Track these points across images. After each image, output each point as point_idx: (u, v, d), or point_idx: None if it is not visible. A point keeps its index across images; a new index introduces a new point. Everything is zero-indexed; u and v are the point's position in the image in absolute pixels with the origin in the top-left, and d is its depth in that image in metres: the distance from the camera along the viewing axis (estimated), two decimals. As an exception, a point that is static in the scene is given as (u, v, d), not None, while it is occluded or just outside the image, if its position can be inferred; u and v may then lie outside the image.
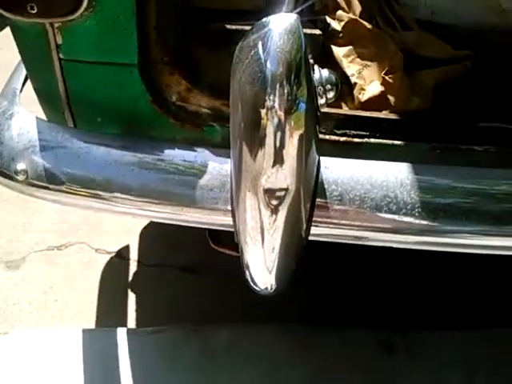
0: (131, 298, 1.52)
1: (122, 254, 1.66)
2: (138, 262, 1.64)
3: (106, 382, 1.25)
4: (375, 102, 0.90)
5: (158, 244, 1.69)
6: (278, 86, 0.61)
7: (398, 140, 0.85)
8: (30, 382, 1.23)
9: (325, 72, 0.66)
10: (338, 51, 0.92)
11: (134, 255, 1.66)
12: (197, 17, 0.87)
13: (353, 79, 0.91)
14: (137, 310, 1.48)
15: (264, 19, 0.63)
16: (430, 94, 0.88)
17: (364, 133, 0.85)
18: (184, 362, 1.27)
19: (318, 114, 0.69)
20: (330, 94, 0.67)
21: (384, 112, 0.87)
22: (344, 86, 0.93)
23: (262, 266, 0.78)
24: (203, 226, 0.86)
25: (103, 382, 1.25)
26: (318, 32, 0.84)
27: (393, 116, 0.86)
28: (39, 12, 0.73)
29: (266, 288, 0.82)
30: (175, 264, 1.60)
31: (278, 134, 0.64)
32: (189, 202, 0.82)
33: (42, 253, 1.65)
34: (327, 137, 0.86)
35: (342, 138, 0.85)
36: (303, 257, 0.83)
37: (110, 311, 1.48)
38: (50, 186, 0.85)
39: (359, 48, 0.92)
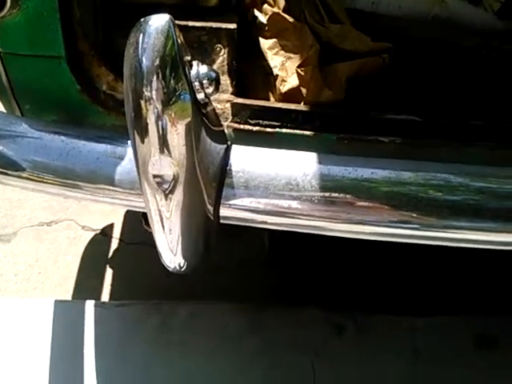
0: (109, 273, 1.62)
1: (106, 232, 1.76)
2: (120, 240, 1.73)
3: (71, 349, 1.35)
4: (294, 94, 0.93)
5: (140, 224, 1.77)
6: (153, 79, 0.67)
7: (308, 130, 0.89)
8: (3, 347, 1.34)
9: (203, 68, 0.71)
10: (264, 43, 0.96)
11: (116, 233, 1.75)
12: (122, 11, 0.92)
13: (275, 71, 0.94)
14: (112, 285, 1.58)
15: (142, 19, 0.68)
16: (343, 87, 0.91)
17: (275, 123, 0.89)
18: (143, 336, 1.36)
19: (202, 106, 0.74)
20: (210, 89, 0.72)
21: (295, 104, 0.90)
22: (271, 77, 0.97)
23: (166, 247, 0.84)
24: (124, 208, 0.93)
25: (70, 350, 1.35)
26: (232, 26, 0.89)
27: (302, 107, 0.89)
28: (-35, 11, 0.81)
29: (175, 267, 0.88)
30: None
31: (159, 123, 0.70)
32: (110, 183, 0.89)
33: (32, 228, 1.77)
34: (241, 126, 0.90)
35: (255, 128, 0.90)
36: (214, 237, 0.90)
37: (87, 284, 1.58)
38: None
39: (283, 41, 0.95)
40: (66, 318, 1.41)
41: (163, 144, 0.71)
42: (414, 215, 0.82)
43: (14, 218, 1.80)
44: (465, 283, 1.51)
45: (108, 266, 1.64)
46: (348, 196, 0.82)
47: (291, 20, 0.94)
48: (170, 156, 0.73)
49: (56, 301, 1.44)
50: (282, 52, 0.96)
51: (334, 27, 0.95)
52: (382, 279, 1.55)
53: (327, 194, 0.83)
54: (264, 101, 0.91)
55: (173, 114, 0.70)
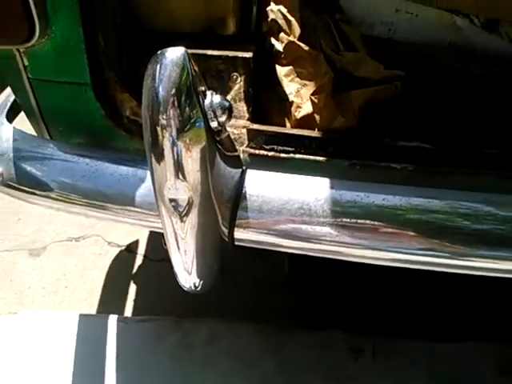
0: (132, 288, 1.66)
1: (131, 248, 1.81)
2: (145, 256, 1.78)
3: (93, 362, 1.39)
4: (309, 120, 0.96)
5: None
6: (169, 107, 0.70)
7: (321, 156, 0.91)
8: (29, 357, 1.39)
9: (217, 98, 0.74)
10: (280, 70, 0.99)
11: (141, 250, 1.80)
12: (144, 39, 0.97)
13: (290, 97, 0.97)
14: (135, 300, 1.62)
15: (158, 52, 0.72)
16: (356, 114, 0.93)
17: (290, 149, 0.92)
18: (163, 352, 1.39)
19: (216, 133, 0.77)
20: (223, 118, 0.75)
21: (309, 130, 0.93)
22: (286, 103, 1.00)
23: (182, 267, 0.87)
24: (144, 228, 0.97)
25: (91, 363, 1.39)
26: (248, 55, 0.92)
27: (316, 134, 0.91)
28: (-2, 41, 0.87)
29: (190, 287, 0.91)
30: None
31: (174, 149, 0.73)
32: (130, 204, 0.92)
33: (61, 243, 1.83)
34: (257, 151, 0.93)
35: (270, 153, 0.93)
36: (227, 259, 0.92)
37: (111, 299, 1.62)
38: (22, 189, 0.99)
39: (298, 68, 0.98)
40: (90, 332, 1.45)
41: (178, 169, 0.74)
42: (425, 242, 0.83)
43: (45, 233, 1.87)
44: (485, 310, 1.49)
45: (132, 282, 1.68)
46: (359, 222, 0.84)
47: (306, 48, 0.97)
48: (185, 181, 0.75)
49: (81, 315, 1.49)
50: (298, 79, 0.98)
51: (348, 55, 0.97)
52: (402, 302, 1.54)
53: (338, 220, 0.84)
54: (279, 127, 0.93)
55: (187, 141, 0.73)
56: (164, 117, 0.71)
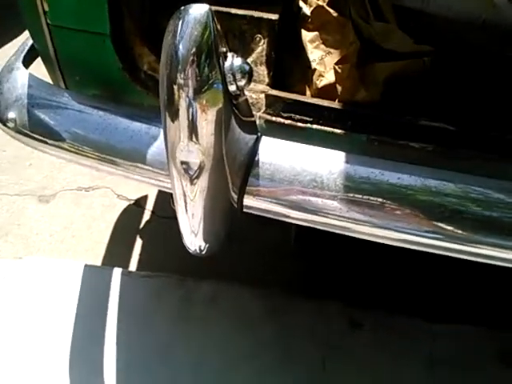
0: (138, 243, 1.67)
1: (140, 203, 1.81)
2: (152, 212, 1.78)
3: (94, 313, 1.41)
4: (330, 90, 0.93)
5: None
6: (187, 66, 0.68)
7: (338, 129, 0.88)
8: (30, 303, 1.41)
9: (237, 61, 0.72)
10: (306, 36, 0.96)
11: (149, 206, 1.80)
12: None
13: (313, 64, 0.94)
14: (140, 255, 1.63)
15: (182, 7, 0.70)
16: (379, 88, 0.90)
17: (307, 118, 0.89)
18: (165, 308, 1.41)
19: (234, 97, 0.75)
20: (242, 82, 0.72)
21: (329, 100, 0.90)
22: (309, 71, 0.97)
23: (189, 230, 0.86)
24: (152, 187, 0.96)
25: (92, 314, 1.41)
26: (274, 17, 0.89)
27: (336, 105, 0.89)
28: (19, -19, 0.84)
29: (195, 250, 0.90)
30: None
31: (190, 110, 0.71)
32: (141, 162, 0.91)
33: (71, 192, 1.83)
34: (273, 118, 0.91)
35: (287, 121, 0.90)
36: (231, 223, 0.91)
37: (116, 252, 1.64)
38: (34, 136, 0.98)
39: (324, 34, 0.94)
40: (93, 283, 1.47)
41: (192, 131, 0.73)
42: (435, 226, 0.81)
43: (55, 181, 1.87)
44: (490, 295, 1.48)
45: (138, 237, 1.69)
46: (371, 199, 0.82)
47: (335, 14, 0.94)
48: (198, 143, 0.74)
49: (86, 265, 1.50)
50: (323, 46, 0.95)
51: (377, 25, 0.93)
52: (409, 279, 1.54)
53: (350, 195, 0.83)
54: (298, 95, 0.91)
55: (204, 102, 0.71)
56: (182, 76, 0.69)
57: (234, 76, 0.72)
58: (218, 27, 0.70)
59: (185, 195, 0.81)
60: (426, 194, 0.82)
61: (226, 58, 0.72)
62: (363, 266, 1.57)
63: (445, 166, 0.84)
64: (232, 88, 0.73)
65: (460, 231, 0.79)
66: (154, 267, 1.56)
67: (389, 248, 0.93)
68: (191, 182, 0.79)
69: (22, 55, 1.08)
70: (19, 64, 1.04)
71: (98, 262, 1.60)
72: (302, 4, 0.97)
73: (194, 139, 0.74)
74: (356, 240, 0.95)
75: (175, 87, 0.70)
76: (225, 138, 0.76)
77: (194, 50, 0.68)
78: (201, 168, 0.77)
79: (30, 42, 1.11)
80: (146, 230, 1.72)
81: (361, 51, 0.91)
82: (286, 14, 0.95)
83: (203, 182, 0.79)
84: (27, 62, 1.07)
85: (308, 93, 0.97)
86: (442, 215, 0.82)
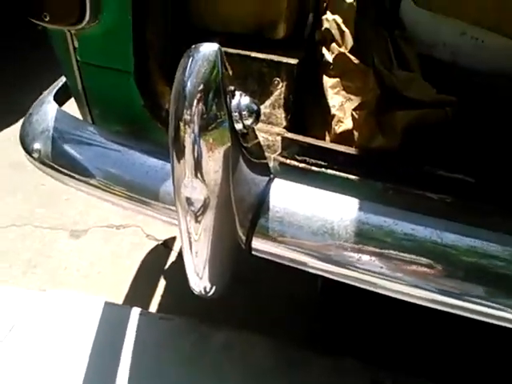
0: (161, 283, 1.66)
1: (168, 244, 1.81)
2: (179, 253, 1.77)
3: (110, 350, 1.39)
4: (348, 136, 0.91)
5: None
6: (194, 103, 0.69)
7: (353, 175, 0.86)
8: (49, 334, 1.42)
9: (245, 99, 0.71)
10: (327, 81, 0.95)
11: (177, 247, 1.79)
12: (192, 35, 0.96)
13: (333, 110, 0.93)
14: (162, 296, 1.61)
15: (193, 46, 0.71)
16: (398, 135, 0.87)
17: (322, 162, 0.87)
18: (178, 351, 1.37)
19: (243, 136, 0.74)
20: (249, 121, 0.72)
21: (346, 146, 0.88)
22: (328, 116, 0.96)
23: (193, 270, 0.84)
24: (164, 223, 0.95)
25: (108, 350, 1.39)
26: (293, 61, 0.89)
27: (351, 151, 0.87)
28: (51, 20, 0.88)
29: (200, 291, 0.88)
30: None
31: (195, 146, 0.71)
32: (153, 197, 0.91)
33: (101, 229, 1.86)
34: (288, 161, 0.90)
35: (302, 165, 0.89)
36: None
37: (139, 291, 1.63)
38: (55, 166, 1.00)
39: (345, 81, 0.94)
40: (111, 320, 1.46)
41: (197, 167, 0.72)
42: (457, 284, 0.76)
43: (88, 217, 1.91)
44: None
45: (162, 277, 1.68)
46: (383, 249, 0.78)
47: (356, 61, 0.93)
48: (203, 180, 0.73)
49: (106, 302, 1.50)
50: (343, 92, 0.94)
51: (400, 73, 0.92)
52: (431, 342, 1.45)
53: (360, 245, 0.79)
54: (314, 139, 0.89)
55: (209, 139, 0.70)
56: (188, 111, 0.69)
57: (240, 114, 0.71)
58: (228, 66, 0.70)
59: (189, 233, 0.80)
60: (441, 248, 0.77)
61: (233, 96, 0.72)
62: (387, 324, 1.50)
63: (462, 220, 0.79)
64: (238, 126, 0.72)
65: (472, 290, 0.74)
66: (173, 309, 1.54)
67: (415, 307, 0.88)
68: (196, 219, 0.77)
69: (54, 90, 1.12)
70: (50, 98, 1.08)
71: (120, 299, 1.60)
72: (324, 51, 0.97)
73: (198, 175, 0.73)
74: (384, 297, 0.91)
75: (181, 123, 0.70)
76: (232, 176, 0.75)
77: (201, 86, 0.68)
78: (205, 205, 0.76)
79: (64, 79, 1.17)
80: (170, 270, 1.71)
81: (380, 98, 0.89)
82: (308, 59, 0.95)
83: (208, 220, 0.77)
84: (60, 97, 1.12)
85: (327, 138, 0.96)
86: (461, 273, 0.77)
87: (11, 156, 2.08)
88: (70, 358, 1.37)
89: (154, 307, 1.59)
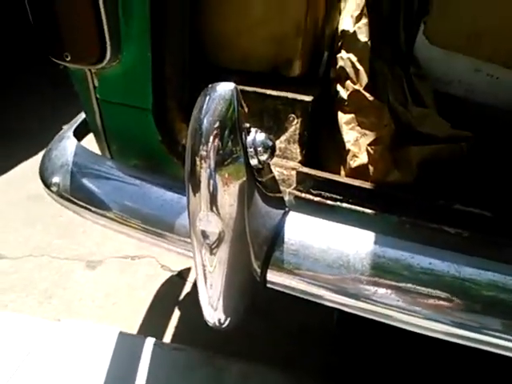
0: (176, 314, 1.66)
1: (182, 275, 1.82)
2: (194, 284, 1.78)
3: (123, 380, 1.39)
4: (363, 171, 0.92)
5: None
6: (210, 140, 0.70)
7: (369, 209, 0.86)
8: (62, 364, 1.42)
9: (260, 136, 0.73)
10: (341, 117, 0.97)
11: (192, 278, 1.80)
12: (210, 73, 0.98)
13: (348, 145, 0.94)
14: (176, 327, 1.61)
15: (210, 85, 0.73)
16: (413, 170, 0.88)
17: (337, 196, 0.88)
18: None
19: (258, 170, 0.76)
20: (264, 156, 0.73)
21: (361, 180, 0.89)
22: (343, 151, 0.97)
23: (207, 302, 0.85)
24: (179, 256, 0.96)
25: (120, 380, 1.39)
26: (308, 99, 0.90)
27: (366, 185, 0.87)
28: (72, 60, 0.91)
29: (215, 323, 0.88)
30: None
31: (211, 181, 0.72)
32: (168, 230, 0.93)
33: (117, 259, 1.88)
34: (303, 195, 0.91)
35: (316, 198, 0.90)
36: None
37: (153, 321, 1.63)
38: (73, 200, 1.02)
39: (360, 117, 0.95)
40: (125, 350, 1.46)
41: (212, 201, 0.73)
42: (468, 316, 0.76)
43: (104, 248, 1.93)
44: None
45: (177, 308, 1.68)
46: (400, 284, 0.78)
47: (371, 98, 0.94)
48: (218, 214, 0.74)
49: (120, 332, 1.50)
50: (358, 128, 0.96)
51: (414, 109, 0.93)
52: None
53: (377, 278, 0.79)
54: (328, 173, 0.90)
55: (225, 174, 0.72)
56: (204, 148, 0.71)
57: (255, 150, 0.73)
58: (244, 104, 0.72)
59: (203, 265, 0.81)
60: (459, 282, 0.77)
61: (249, 132, 0.73)
62: (402, 357, 1.47)
63: (479, 254, 0.79)
64: (254, 161, 0.74)
65: (491, 324, 0.73)
66: (187, 340, 1.54)
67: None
68: (210, 251, 0.78)
69: (74, 126, 1.15)
70: (70, 133, 1.11)
71: (134, 329, 1.60)
72: (339, 88, 0.99)
73: (214, 209, 0.74)
74: (401, 330, 0.90)
75: (197, 158, 0.72)
76: (247, 210, 0.76)
77: (217, 124, 0.70)
78: (220, 238, 0.77)
79: (83, 115, 1.20)
80: (185, 301, 1.72)
81: (395, 134, 0.91)
82: (323, 96, 0.97)
83: (223, 252, 0.78)
84: (79, 133, 1.15)
85: (342, 172, 0.97)
86: (477, 306, 0.76)
87: (30, 188, 2.12)
88: (84, 388, 1.37)
89: (168, 338, 1.58)
